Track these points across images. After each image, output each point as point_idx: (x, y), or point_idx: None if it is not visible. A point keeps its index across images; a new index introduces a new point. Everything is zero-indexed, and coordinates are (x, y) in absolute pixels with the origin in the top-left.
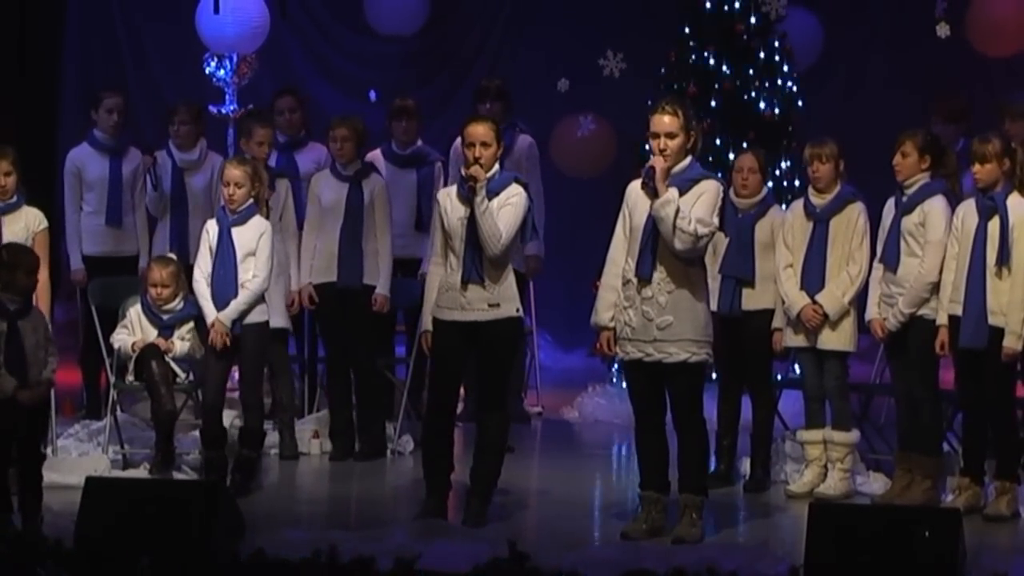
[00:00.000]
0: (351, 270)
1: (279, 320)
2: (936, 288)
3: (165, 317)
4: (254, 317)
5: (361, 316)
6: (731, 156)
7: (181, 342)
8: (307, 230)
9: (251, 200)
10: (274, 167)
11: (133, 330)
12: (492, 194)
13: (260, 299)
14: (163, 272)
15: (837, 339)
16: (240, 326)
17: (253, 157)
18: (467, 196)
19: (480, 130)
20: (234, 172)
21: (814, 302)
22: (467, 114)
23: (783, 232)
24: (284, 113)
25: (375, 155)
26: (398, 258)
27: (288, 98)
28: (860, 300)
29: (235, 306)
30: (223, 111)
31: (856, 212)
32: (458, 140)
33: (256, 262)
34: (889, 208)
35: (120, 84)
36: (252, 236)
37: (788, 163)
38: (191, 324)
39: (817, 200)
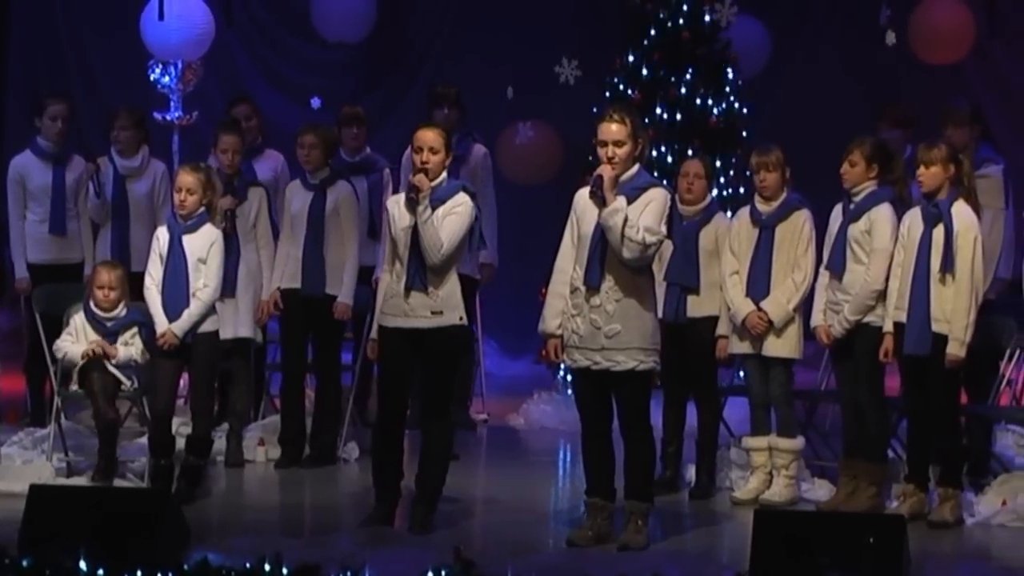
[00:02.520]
0: (314, 279)
1: (245, 330)
2: (882, 296)
3: (109, 323)
4: (206, 326)
5: (324, 324)
6: (677, 164)
7: (124, 347)
8: (281, 238)
9: (203, 208)
10: (245, 176)
11: (77, 337)
12: (439, 202)
13: (212, 309)
14: (111, 275)
15: (782, 346)
16: (192, 335)
17: (208, 166)
18: (410, 194)
19: (430, 136)
20: (186, 178)
21: (759, 309)
22: (413, 122)
23: (729, 239)
24: (240, 121)
25: None
26: None
27: (244, 106)
28: (805, 307)
29: (187, 317)
30: (168, 118)
31: (802, 219)
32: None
33: (207, 271)
34: (836, 215)
35: (64, 91)
36: (203, 244)
37: (733, 171)
38: (135, 329)
39: (763, 207)
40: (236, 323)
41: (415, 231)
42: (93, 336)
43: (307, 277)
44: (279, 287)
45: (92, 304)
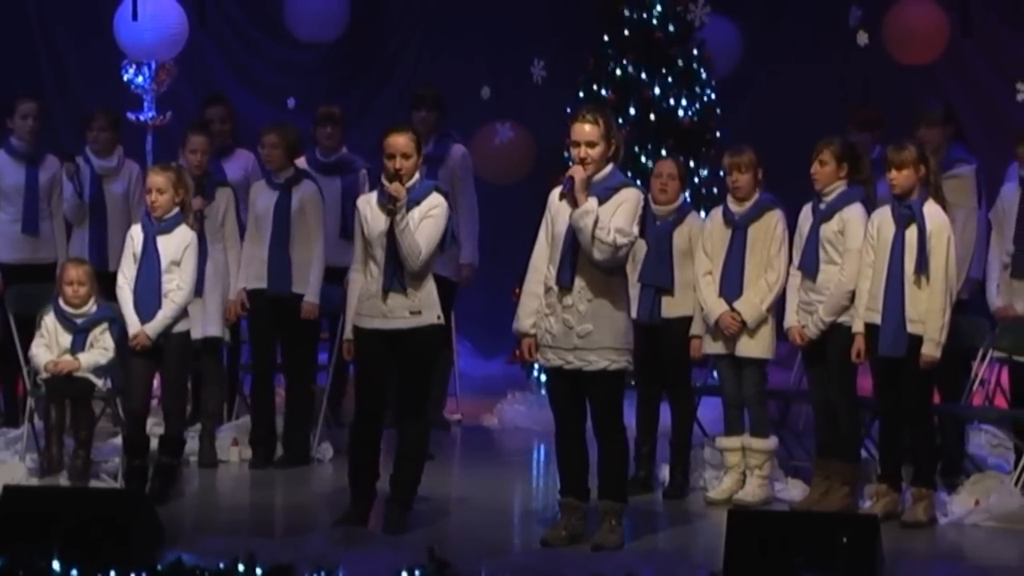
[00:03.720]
0: (280, 278)
1: (214, 329)
2: (855, 295)
3: (79, 321)
4: (177, 327)
5: (292, 324)
6: (650, 164)
7: (89, 353)
8: (246, 238)
9: (177, 208)
10: (214, 176)
11: (49, 340)
12: (413, 203)
13: (184, 311)
14: (78, 270)
15: (755, 346)
16: (163, 336)
17: (179, 165)
18: (387, 205)
19: (401, 141)
20: (156, 179)
21: (732, 309)
22: (387, 122)
23: (702, 239)
24: (215, 122)
25: (299, 163)
26: (326, 266)
27: (219, 107)
28: (778, 307)
29: (161, 319)
30: (141, 118)
31: (775, 220)
32: None
33: (181, 274)
34: (805, 215)
35: (37, 91)
36: (178, 246)
37: (707, 171)
38: (104, 326)
39: (736, 208)
40: (204, 322)
41: (391, 235)
42: (64, 335)
43: (273, 277)
44: (244, 288)
45: (61, 302)
